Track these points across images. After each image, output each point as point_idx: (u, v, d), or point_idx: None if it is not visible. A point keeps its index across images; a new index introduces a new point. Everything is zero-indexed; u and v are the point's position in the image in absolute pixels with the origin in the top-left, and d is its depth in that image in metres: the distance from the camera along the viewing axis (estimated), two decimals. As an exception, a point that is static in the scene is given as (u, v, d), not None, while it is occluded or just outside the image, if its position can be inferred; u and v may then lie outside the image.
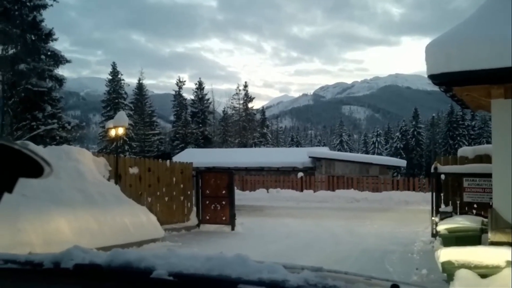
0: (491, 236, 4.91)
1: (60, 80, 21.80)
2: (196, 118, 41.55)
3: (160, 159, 11.60)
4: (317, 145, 62.02)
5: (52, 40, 21.42)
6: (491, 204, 5.24)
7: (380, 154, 52.58)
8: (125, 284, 0.73)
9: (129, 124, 11.88)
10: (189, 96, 44.16)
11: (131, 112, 36.74)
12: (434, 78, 5.15)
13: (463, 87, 5.56)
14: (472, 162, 7.81)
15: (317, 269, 0.86)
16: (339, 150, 57.11)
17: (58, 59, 21.42)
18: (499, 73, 4.72)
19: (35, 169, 0.80)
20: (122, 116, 10.82)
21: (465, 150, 8.71)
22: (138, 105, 40.34)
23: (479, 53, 4.79)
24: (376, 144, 62.83)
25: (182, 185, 11.60)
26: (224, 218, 11.03)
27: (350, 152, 54.05)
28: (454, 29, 5.34)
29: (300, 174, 21.87)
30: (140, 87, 41.51)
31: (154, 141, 40.36)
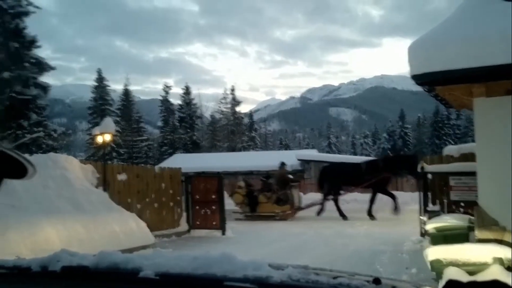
0: (477, 233, 4.99)
1: (45, 88, 21.57)
2: (184, 123, 41.41)
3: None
4: (305, 148, 62.19)
5: (35, 47, 21.20)
6: (477, 202, 5.33)
7: (368, 155, 52.92)
8: (113, 285, 0.74)
9: (116, 131, 11.82)
10: (176, 101, 44.06)
11: (118, 119, 36.46)
12: (417, 78, 5.23)
13: (445, 86, 5.65)
14: (457, 161, 7.92)
15: (302, 267, 0.88)
16: (327, 152, 57.32)
17: (42, 67, 21.19)
18: (479, 72, 4.81)
19: (18, 170, 0.82)
20: (108, 122, 10.76)
21: (450, 149, 8.84)
22: (125, 111, 40.05)
23: (459, 53, 4.88)
24: (364, 145, 63.36)
25: (171, 191, 11.56)
26: (214, 223, 11.01)
27: (338, 154, 54.33)
28: (434, 29, 5.42)
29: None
30: (126, 93, 41.23)
31: (142, 147, 40.12)
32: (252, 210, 14.54)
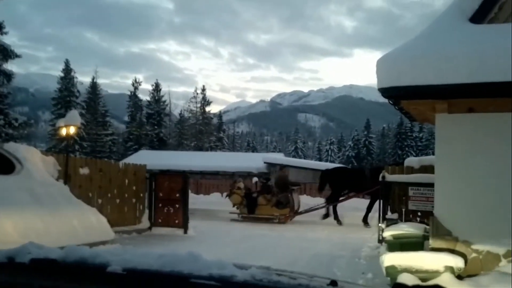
0: (432, 242, 5.19)
1: (8, 75, 20.80)
2: (151, 119, 40.85)
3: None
4: (272, 151, 62.60)
5: (2, 34, 20.43)
6: (433, 212, 5.54)
7: (333, 161, 53.83)
8: (82, 278, 0.76)
9: (80, 123, 11.54)
10: (144, 97, 43.41)
11: (83, 111, 35.57)
12: (384, 91, 5.39)
13: (410, 100, 5.85)
14: (417, 172, 8.20)
15: (265, 268, 0.92)
16: (293, 156, 57.88)
17: (7, 53, 20.41)
18: (442, 89, 5.01)
19: (6, 166, 0.83)
20: (74, 115, 10.50)
21: (411, 160, 9.14)
22: (91, 104, 39.10)
23: (425, 70, 5.07)
24: (330, 152, 64.39)
25: (134, 187, 11.40)
26: (177, 222, 10.93)
27: (304, 159, 54.94)
28: (403, 46, 5.61)
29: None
30: (93, 85, 40.26)
31: (106, 142, 39.26)
32: (250, 211, 14.30)
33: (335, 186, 14.00)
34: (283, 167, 15.57)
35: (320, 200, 15.47)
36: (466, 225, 5.13)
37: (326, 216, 13.91)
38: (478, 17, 5.48)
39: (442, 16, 5.81)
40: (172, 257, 0.80)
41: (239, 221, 14.20)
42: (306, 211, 14.43)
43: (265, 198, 14.33)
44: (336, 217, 13.65)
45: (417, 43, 5.53)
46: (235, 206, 14.75)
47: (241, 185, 15.09)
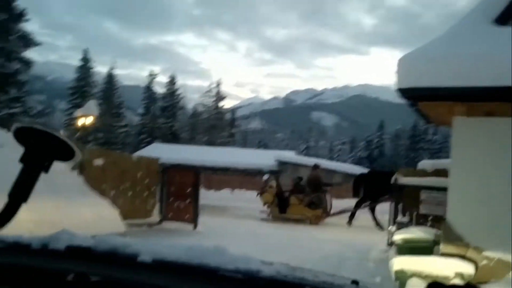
0: (442, 247, 5.16)
1: (28, 63, 21.07)
2: (165, 112, 41.11)
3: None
4: (284, 149, 62.55)
5: (23, 21, 20.68)
6: (445, 217, 5.50)
7: (344, 162, 53.62)
8: (114, 266, 0.79)
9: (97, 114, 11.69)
10: (160, 89, 43.69)
11: (99, 102, 35.95)
12: (403, 92, 5.35)
13: (429, 102, 5.81)
14: (430, 176, 8.15)
15: (285, 264, 0.95)
16: (305, 155, 57.82)
17: (28, 41, 20.70)
18: (462, 92, 4.97)
19: (66, 153, 0.88)
20: (92, 105, 10.67)
21: (424, 164, 9.09)
22: (107, 95, 39.49)
23: (445, 71, 5.02)
24: (341, 152, 64.13)
25: (147, 181, 11.48)
26: (187, 216, 11.00)
27: (315, 158, 54.80)
28: (424, 46, 5.56)
29: (266, 176, 22.08)
30: (110, 76, 40.64)
31: (120, 133, 39.64)
32: (282, 211, 13.98)
33: (371, 189, 13.30)
34: (316, 166, 15.20)
35: (345, 202, 15.05)
36: (478, 231, 5.09)
37: (351, 219, 13.41)
38: (503, 19, 5.40)
39: (466, 17, 5.74)
40: (199, 250, 0.83)
41: (268, 220, 13.84)
42: (338, 213, 14.02)
43: (297, 197, 13.93)
44: (376, 222, 13.05)
45: (439, 44, 5.48)
46: (266, 205, 14.36)
47: (273, 183, 14.81)
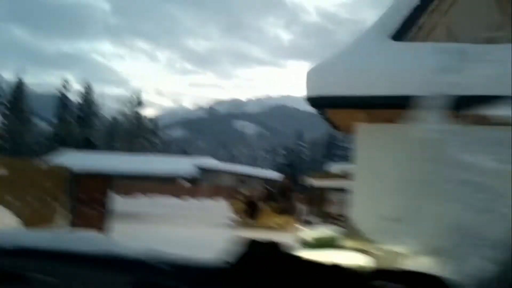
0: (346, 243, 5.49)
1: None
2: (80, 120, 39.20)
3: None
4: (207, 157, 62.35)
5: None
6: (350, 215, 5.86)
7: (267, 169, 54.69)
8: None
9: (1, 122, 10.87)
10: (74, 98, 41.58)
11: (6, 110, 33.38)
12: (311, 100, 5.66)
13: (333, 110, 6.17)
14: (339, 179, 8.64)
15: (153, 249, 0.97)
16: (228, 163, 58.11)
17: None
18: (361, 99, 5.36)
19: None
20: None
21: (335, 168, 9.61)
22: (15, 103, 36.74)
23: (349, 82, 5.40)
24: (263, 159, 65.48)
25: (55, 189, 10.89)
26: (98, 224, 10.59)
27: (239, 165, 55.27)
28: (331, 58, 5.92)
29: (186, 183, 21.89)
30: (18, 84, 37.89)
31: (30, 141, 37.04)
32: (252, 219, 13.72)
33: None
34: (286, 174, 15.31)
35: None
36: (378, 228, 5.49)
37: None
38: (398, 35, 5.93)
39: (366, 33, 6.22)
40: (67, 236, 0.84)
41: (248, 229, 13.20)
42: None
43: (269, 205, 13.78)
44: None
45: (342, 56, 5.87)
46: (236, 213, 14.15)
47: (244, 191, 14.67)
